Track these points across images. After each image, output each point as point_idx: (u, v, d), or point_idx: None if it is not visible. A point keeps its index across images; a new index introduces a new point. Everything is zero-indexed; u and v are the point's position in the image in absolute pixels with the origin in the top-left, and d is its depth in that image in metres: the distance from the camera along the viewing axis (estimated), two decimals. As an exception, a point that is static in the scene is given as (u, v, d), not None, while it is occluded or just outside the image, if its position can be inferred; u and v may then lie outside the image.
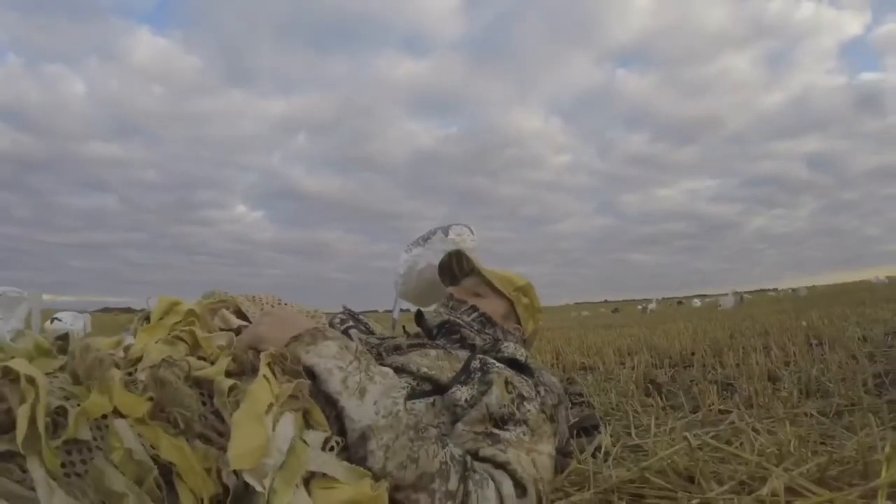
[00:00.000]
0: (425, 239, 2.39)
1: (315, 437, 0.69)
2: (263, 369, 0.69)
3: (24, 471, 0.53)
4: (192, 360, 0.71)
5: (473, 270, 1.31)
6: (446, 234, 2.31)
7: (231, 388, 0.67)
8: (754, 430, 1.17)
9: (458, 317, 1.18)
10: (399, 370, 0.88)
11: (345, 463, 0.68)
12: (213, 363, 0.72)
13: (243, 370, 0.73)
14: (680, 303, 27.20)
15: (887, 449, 0.81)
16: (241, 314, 0.96)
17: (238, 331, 0.88)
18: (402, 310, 2.78)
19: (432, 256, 2.27)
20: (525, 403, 0.88)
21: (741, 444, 1.10)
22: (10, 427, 0.54)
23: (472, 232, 2.32)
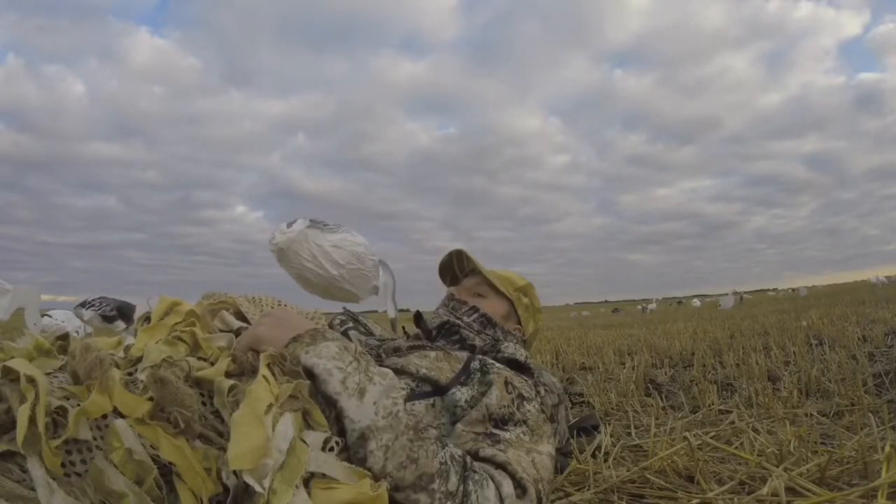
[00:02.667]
0: None
1: (315, 437, 0.69)
2: (263, 370, 0.69)
3: (25, 471, 0.53)
4: (192, 360, 0.71)
5: (474, 270, 1.31)
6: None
7: (231, 389, 0.67)
8: (754, 430, 1.17)
9: (459, 317, 1.18)
10: (398, 371, 0.88)
11: (344, 463, 0.68)
12: (213, 364, 0.72)
13: (243, 371, 0.73)
14: (680, 303, 27.20)
15: (887, 449, 0.81)
16: (240, 315, 0.96)
17: (238, 332, 0.88)
18: (399, 310, 2.77)
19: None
20: (525, 404, 0.88)
21: (741, 444, 1.10)
22: (11, 427, 0.54)
23: (287, 226, 1.87)
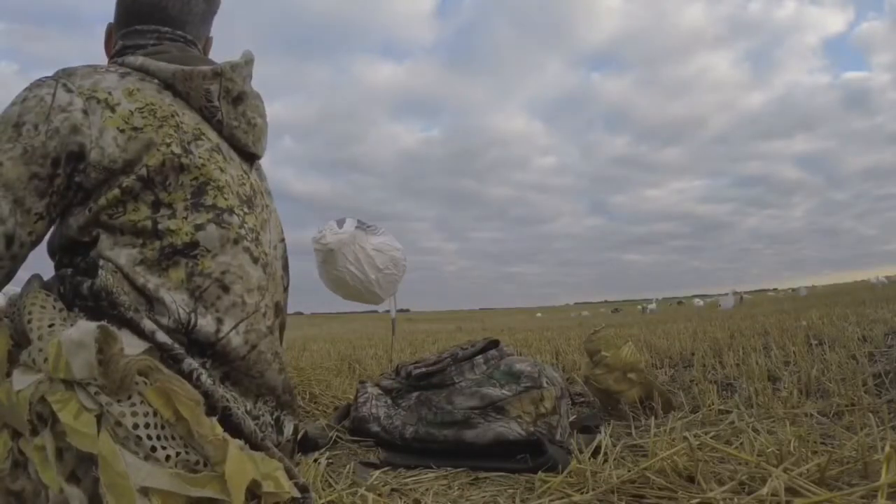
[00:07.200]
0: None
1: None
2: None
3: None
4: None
5: None
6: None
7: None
8: (754, 430, 1.17)
9: None
10: None
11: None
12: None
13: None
14: (680, 303, 27.24)
15: (887, 449, 0.81)
16: None
17: None
18: (398, 310, 2.77)
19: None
20: None
21: (741, 444, 1.10)
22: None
23: (339, 225, 1.73)
